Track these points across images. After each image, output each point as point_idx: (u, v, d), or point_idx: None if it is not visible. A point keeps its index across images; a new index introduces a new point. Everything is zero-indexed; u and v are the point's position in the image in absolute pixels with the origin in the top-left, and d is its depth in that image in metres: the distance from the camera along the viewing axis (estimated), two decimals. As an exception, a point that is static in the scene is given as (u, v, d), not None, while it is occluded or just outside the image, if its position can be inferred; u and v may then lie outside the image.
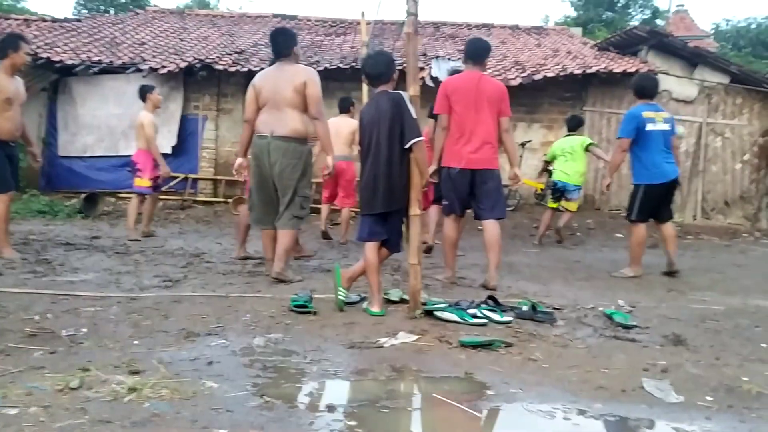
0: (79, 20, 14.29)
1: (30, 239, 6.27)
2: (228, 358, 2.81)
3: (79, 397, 2.25)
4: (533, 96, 11.12)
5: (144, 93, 7.22)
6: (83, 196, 9.10)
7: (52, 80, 10.84)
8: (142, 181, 6.99)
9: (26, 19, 14.75)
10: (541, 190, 11.12)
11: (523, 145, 11.04)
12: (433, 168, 4.81)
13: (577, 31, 16.43)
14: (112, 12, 23.21)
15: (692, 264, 6.70)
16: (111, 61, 10.69)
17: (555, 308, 4.04)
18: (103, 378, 2.43)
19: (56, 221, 8.08)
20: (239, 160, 4.81)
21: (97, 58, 10.74)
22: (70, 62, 10.50)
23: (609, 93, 11.44)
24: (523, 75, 10.63)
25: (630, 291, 4.92)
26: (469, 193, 4.82)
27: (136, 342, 2.99)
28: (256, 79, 4.70)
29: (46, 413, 2.11)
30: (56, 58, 10.48)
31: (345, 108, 7.39)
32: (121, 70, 10.66)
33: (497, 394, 2.54)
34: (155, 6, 19.47)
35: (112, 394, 2.28)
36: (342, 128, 7.04)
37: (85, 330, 3.14)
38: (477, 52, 4.93)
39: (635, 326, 3.70)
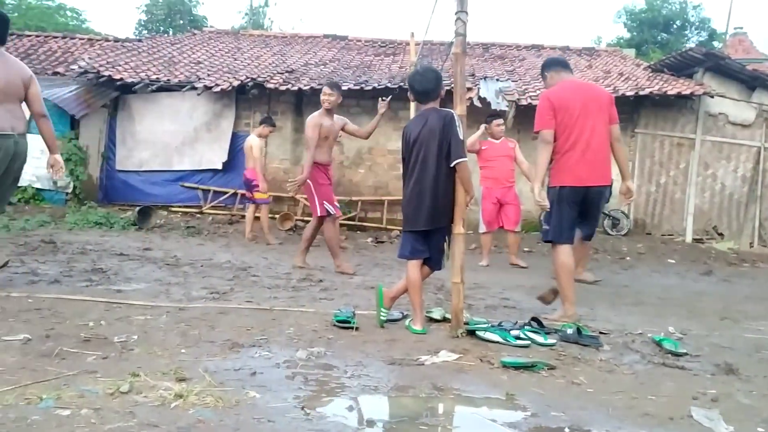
0: (139, 40, 14.87)
1: (87, 249, 6.50)
2: (271, 370, 2.86)
3: (129, 401, 2.33)
4: (583, 117, 11.00)
5: (261, 122, 8.89)
6: (137, 208, 9.39)
7: (113, 97, 11.26)
8: (262, 194, 8.42)
9: (90, 38, 15.46)
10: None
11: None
12: (537, 188, 4.33)
13: (630, 52, 16.21)
14: (170, 33, 24.02)
15: (748, 292, 6.48)
16: (168, 80, 11.07)
17: (601, 332, 3.96)
18: (151, 384, 2.50)
19: (112, 233, 8.35)
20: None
21: (155, 77, 11.13)
22: (130, 80, 10.92)
23: (662, 115, 11.24)
24: (573, 96, 10.53)
25: (681, 318, 4.79)
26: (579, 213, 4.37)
27: (183, 351, 3.07)
28: None
29: (97, 415, 2.18)
30: (117, 77, 10.91)
31: None
32: (177, 87, 11.02)
33: (538, 417, 2.50)
34: (212, 27, 20.08)
35: (159, 399, 2.35)
36: None
37: (135, 337, 3.24)
38: (563, 61, 4.70)
39: (685, 354, 3.60)
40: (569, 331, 3.75)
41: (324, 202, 6.07)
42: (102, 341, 3.13)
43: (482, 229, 7.55)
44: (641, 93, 10.71)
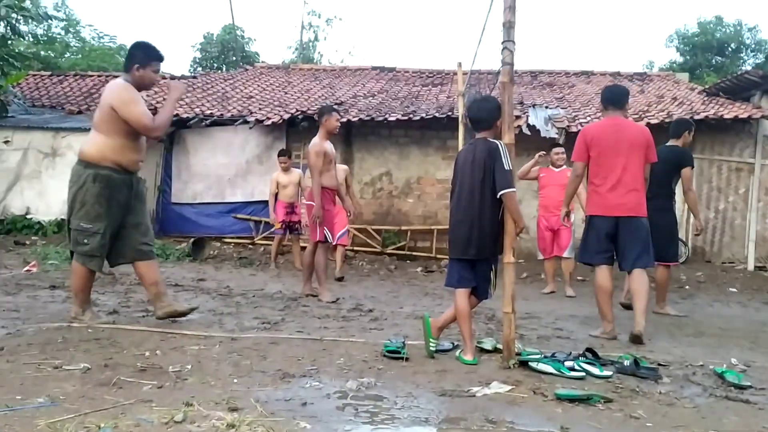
0: (194, 77, 15.39)
1: (143, 280, 6.67)
2: (321, 400, 2.86)
3: (183, 430, 2.36)
4: (636, 143, 10.80)
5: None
6: (191, 240, 9.62)
7: (169, 132, 11.65)
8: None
9: (148, 77, 16.02)
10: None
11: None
12: (563, 211, 5.07)
13: (684, 76, 15.90)
14: (224, 69, 24.79)
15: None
16: (221, 114, 11.40)
17: (660, 364, 3.83)
18: (204, 413, 2.53)
19: (167, 264, 8.57)
20: None
21: (209, 112, 11.48)
22: (185, 116, 11.29)
23: (719, 140, 10.93)
24: (624, 122, 10.36)
25: (744, 349, 4.59)
26: (612, 241, 4.74)
27: (235, 380, 3.10)
28: None
29: (151, 444, 2.22)
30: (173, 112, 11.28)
31: None
32: (230, 122, 11.34)
33: (595, 452, 2.43)
34: (263, 62, 20.66)
35: (212, 429, 2.38)
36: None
37: (189, 367, 3.29)
38: (615, 97, 4.90)
39: (749, 387, 3.44)
40: (626, 362, 3.64)
41: (324, 228, 6.09)
42: (157, 371, 3.20)
43: (540, 256, 7.69)
44: (696, 117, 10.45)
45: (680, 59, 28.89)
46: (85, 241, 4.21)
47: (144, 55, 4.33)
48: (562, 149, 7.56)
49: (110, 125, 4.19)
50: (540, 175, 7.55)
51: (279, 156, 9.07)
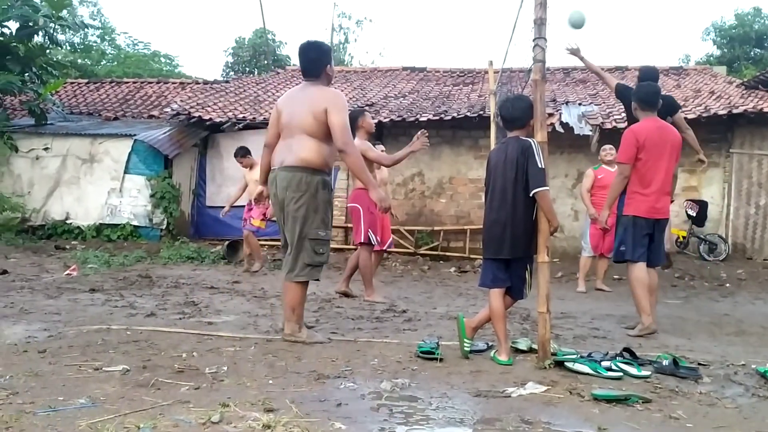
0: (227, 81, 15.59)
1: (180, 283, 6.78)
2: (356, 401, 2.86)
3: (220, 431, 2.39)
4: (672, 139, 10.60)
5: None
6: (226, 243, 9.74)
7: (203, 137, 11.82)
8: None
9: (182, 82, 16.35)
10: (683, 237, 10.51)
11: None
12: (605, 214, 5.01)
13: (721, 69, 15.53)
14: (255, 73, 25.04)
15: None
16: (254, 118, 11.51)
17: (700, 364, 3.75)
18: (240, 414, 2.56)
19: (203, 266, 8.70)
20: (259, 188, 4.38)
21: (241, 116, 11.61)
22: (218, 120, 11.44)
23: (759, 133, 10.67)
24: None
25: (789, 348, 4.47)
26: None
27: (271, 381, 3.13)
28: (279, 100, 4.31)
29: (189, 444, 2.25)
30: (206, 117, 11.46)
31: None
32: (262, 125, 11.42)
33: (634, 453, 2.38)
34: (294, 65, 20.79)
35: (248, 429, 2.40)
36: None
37: (226, 368, 3.33)
38: (651, 99, 4.89)
39: (795, 387, 3.35)
40: (665, 362, 3.57)
41: (369, 229, 6.07)
42: (194, 372, 3.24)
43: (588, 252, 7.47)
44: (735, 111, 10.22)
45: (717, 52, 28.21)
46: (321, 250, 4.05)
47: (325, 54, 4.24)
48: (609, 146, 7.48)
49: (326, 129, 4.00)
50: (598, 177, 7.38)
51: (235, 156, 8.62)
